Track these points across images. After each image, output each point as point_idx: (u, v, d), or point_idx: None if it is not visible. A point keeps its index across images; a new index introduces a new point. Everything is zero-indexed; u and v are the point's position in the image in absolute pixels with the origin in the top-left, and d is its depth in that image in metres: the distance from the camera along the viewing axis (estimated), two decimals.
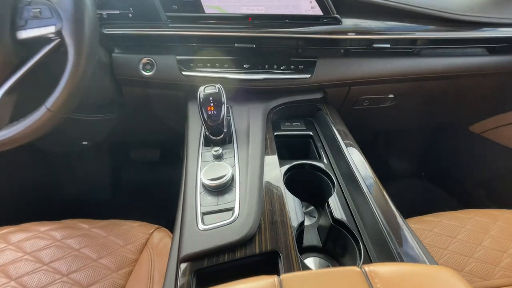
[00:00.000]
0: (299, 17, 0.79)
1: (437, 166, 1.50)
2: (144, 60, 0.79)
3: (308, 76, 0.79)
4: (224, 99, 0.63)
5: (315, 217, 0.67)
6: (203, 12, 0.79)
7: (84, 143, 1.13)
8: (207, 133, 0.64)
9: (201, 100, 0.62)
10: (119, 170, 1.49)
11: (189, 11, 0.79)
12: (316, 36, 0.77)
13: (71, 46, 0.46)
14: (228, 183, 0.53)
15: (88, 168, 1.38)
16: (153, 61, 0.79)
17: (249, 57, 0.80)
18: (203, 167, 0.58)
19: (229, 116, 0.74)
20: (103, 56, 0.77)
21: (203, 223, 0.46)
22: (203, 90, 0.63)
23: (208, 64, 0.79)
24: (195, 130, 0.70)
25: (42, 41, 0.48)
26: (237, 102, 0.79)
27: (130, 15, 0.77)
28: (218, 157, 0.60)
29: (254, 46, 0.78)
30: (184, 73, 0.78)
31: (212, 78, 0.78)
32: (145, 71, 0.79)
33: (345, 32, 0.78)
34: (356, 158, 0.61)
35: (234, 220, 0.46)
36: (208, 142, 0.66)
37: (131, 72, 0.79)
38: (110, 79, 0.82)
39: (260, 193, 0.52)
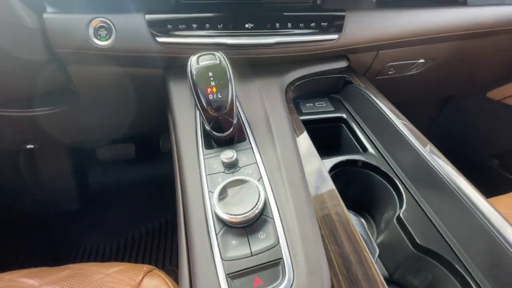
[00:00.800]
0: None
1: (445, 137, 1.39)
2: (96, 22, 0.52)
3: (336, 36, 0.57)
4: (230, 73, 0.41)
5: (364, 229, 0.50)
6: None
7: (29, 146, 0.85)
8: (207, 129, 0.42)
9: (194, 77, 0.40)
10: (84, 173, 1.21)
11: None
12: None
13: None
14: (260, 212, 0.33)
15: (42, 176, 1.09)
16: (109, 23, 0.52)
17: (252, 13, 0.56)
18: (212, 187, 0.36)
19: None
20: (27, 18, 0.49)
21: None
22: (196, 62, 0.40)
23: (194, 25, 0.54)
24: (187, 125, 0.47)
25: None
26: (242, 79, 0.56)
27: None
28: (232, 166, 0.39)
29: None
30: (159, 39, 0.53)
31: (202, 45, 0.54)
32: (99, 39, 0.53)
33: None
34: (428, 149, 0.43)
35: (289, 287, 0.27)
36: (209, 142, 0.44)
37: (77, 41, 0.53)
38: (47, 55, 0.55)
39: (314, 223, 0.32)
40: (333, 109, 0.60)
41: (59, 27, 0.52)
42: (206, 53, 0.41)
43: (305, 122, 0.57)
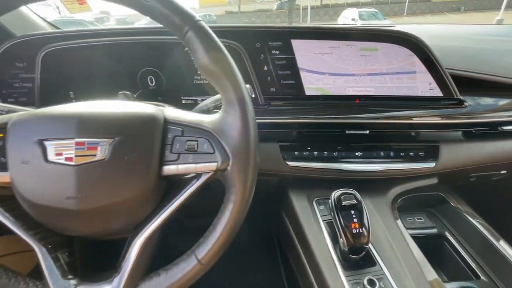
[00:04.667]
0: (415, 99, 0.71)
1: None
2: None
3: (433, 165, 0.69)
4: (366, 211, 0.53)
5: None
6: (303, 94, 0.73)
7: None
8: (344, 250, 0.53)
9: (339, 214, 0.52)
10: (165, 241, 1.35)
11: (288, 93, 0.73)
12: (438, 122, 0.68)
13: (238, 185, 0.37)
14: None
15: None
16: None
17: (360, 144, 0.71)
18: None
19: None
20: None
21: None
22: (339, 201, 0.53)
23: (316, 153, 0.70)
24: (318, 238, 0.59)
25: (191, 176, 0.39)
26: None
27: None
28: None
29: (367, 132, 0.70)
30: (289, 163, 0.69)
31: (322, 169, 0.69)
32: None
33: (469, 115, 0.69)
34: None
35: None
36: (346, 262, 0.54)
37: None
38: None
39: None
40: (433, 225, 0.68)
41: None
42: (346, 192, 0.55)
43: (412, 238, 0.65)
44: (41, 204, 0.35)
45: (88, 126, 0.36)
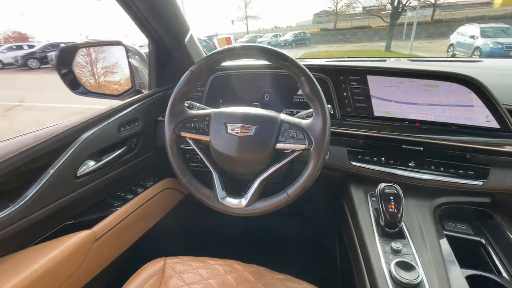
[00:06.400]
0: (471, 127, 0.85)
1: None
2: None
3: (481, 183, 0.82)
4: (403, 199, 0.75)
5: None
6: (372, 114, 0.97)
7: None
8: (381, 224, 0.76)
9: (382, 199, 0.75)
10: None
11: (360, 113, 0.99)
12: (491, 149, 0.81)
13: (314, 159, 0.69)
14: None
15: None
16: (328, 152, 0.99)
17: (415, 157, 0.90)
18: (386, 259, 0.68)
19: None
20: None
21: None
22: (383, 190, 0.77)
23: (375, 158, 0.94)
24: (365, 218, 0.83)
25: (289, 151, 0.74)
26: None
27: None
28: (397, 252, 0.70)
29: (422, 149, 0.89)
30: (353, 163, 0.95)
31: (379, 172, 0.92)
32: None
33: None
34: None
35: None
36: (382, 233, 0.77)
37: None
38: None
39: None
40: (473, 233, 0.81)
41: None
42: (389, 184, 0.78)
43: (448, 238, 0.80)
44: (221, 152, 0.76)
45: (247, 118, 0.75)
